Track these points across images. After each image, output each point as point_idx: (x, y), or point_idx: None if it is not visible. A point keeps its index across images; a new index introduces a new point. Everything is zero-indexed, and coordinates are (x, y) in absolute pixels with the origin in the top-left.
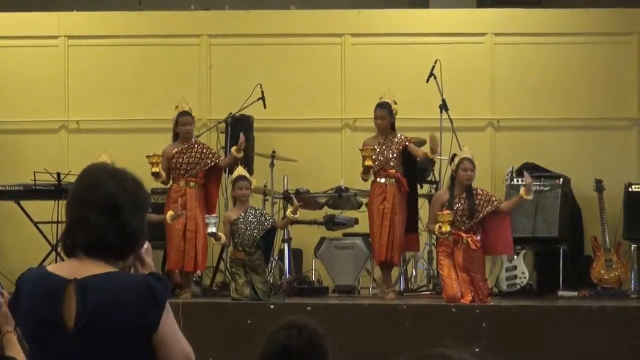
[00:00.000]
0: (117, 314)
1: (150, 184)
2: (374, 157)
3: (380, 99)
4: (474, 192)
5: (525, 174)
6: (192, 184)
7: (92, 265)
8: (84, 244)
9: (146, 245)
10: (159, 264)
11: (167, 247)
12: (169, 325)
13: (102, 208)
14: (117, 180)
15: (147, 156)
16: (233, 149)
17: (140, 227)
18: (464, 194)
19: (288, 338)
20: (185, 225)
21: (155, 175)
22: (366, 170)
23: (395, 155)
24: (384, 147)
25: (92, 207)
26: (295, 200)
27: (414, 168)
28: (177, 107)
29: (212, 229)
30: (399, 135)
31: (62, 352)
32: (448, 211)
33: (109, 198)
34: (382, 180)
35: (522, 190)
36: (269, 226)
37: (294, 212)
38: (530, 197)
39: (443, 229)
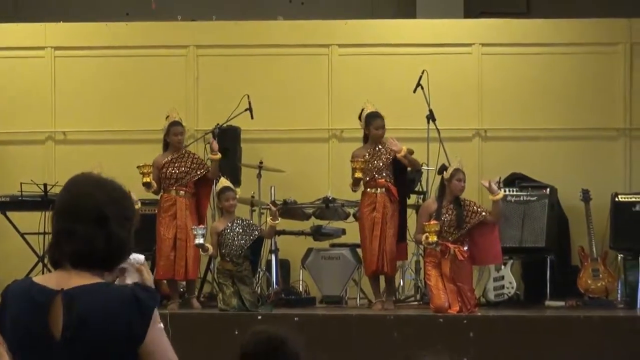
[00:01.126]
0: (103, 325)
1: (140, 194)
2: (364, 168)
3: (363, 110)
4: (462, 202)
5: (483, 181)
6: (182, 192)
7: (78, 277)
8: (71, 254)
9: (142, 258)
10: None
11: (157, 256)
12: (157, 337)
13: (89, 218)
14: (104, 190)
15: (138, 166)
16: (210, 155)
17: (127, 237)
18: (452, 205)
19: (247, 344)
20: (176, 234)
21: (147, 185)
22: (356, 182)
23: (385, 165)
24: (373, 158)
25: (79, 218)
26: (271, 207)
27: (404, 177)
28: (167, 116)
29: (199, 240)
30: (387, 145)
31: None
32: (435, 221)
33: (95, 208)
34: (372, 190)
35: (490, 196)
36: (256, 236)
37: (274, 218)
38: (500, 195)
39: (430, 239)
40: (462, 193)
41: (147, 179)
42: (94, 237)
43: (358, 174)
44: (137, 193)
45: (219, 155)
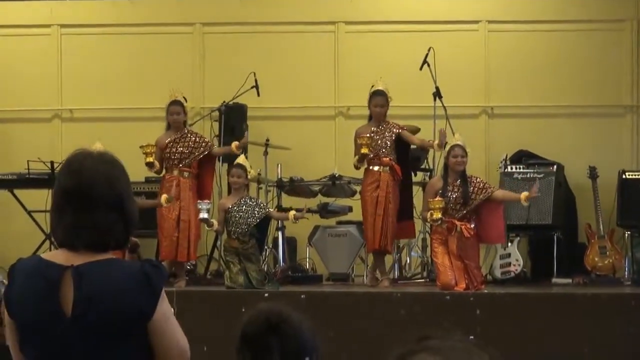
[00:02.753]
0: (113, 300)
1: (144, 173)
2: (370, 144)
3: (372, 87)
4: (469, 179)
5: (535, 186)
6: (186, 174)
7: (88, 253)
8: (90, 243)
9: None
10: (152, 254)
11: (160, 236)
12: (165, 313)
13: (109, 206)
14: (116, 172)
15: (141, 146)
16: (233, 144)
17: (136, 211)
18: (458, 182)
19: (248, 323)
20: (179, 215)
21: (150, 165)
22: (361, 159)
23: (388, 143)
24: (377, 135)
25: (99, 206)
26: (305, 212)
27: (407, 155)
28: (170, 95)
29: (204, 215)
30: (391, 122)
31: (59, 340)
32: (439, 198)
33: (115, 194)
34: (376, 168)
35: (523, 195)
36: (263, 215)
37: (296, 219)
38: (527, 204)
39: (434, 215)
40: (461, 168)
41: (150, 159)
42: (116, 224)
43: (365, 150)
44: (141, 172)
45: (240, 152)
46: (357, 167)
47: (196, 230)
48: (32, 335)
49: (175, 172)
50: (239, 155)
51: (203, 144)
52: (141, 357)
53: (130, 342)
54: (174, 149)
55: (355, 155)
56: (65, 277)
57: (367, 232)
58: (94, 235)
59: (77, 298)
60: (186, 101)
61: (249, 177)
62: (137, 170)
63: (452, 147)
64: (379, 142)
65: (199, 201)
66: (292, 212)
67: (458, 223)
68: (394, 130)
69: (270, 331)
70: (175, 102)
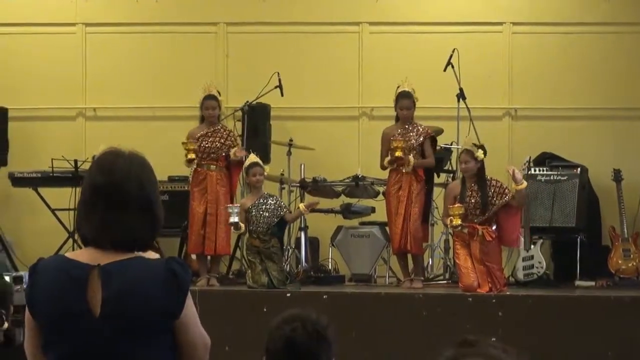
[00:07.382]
0: (142, 299)
1: (167, 171)
2: (403, 147)
3: (398, 87)
4: (488, 182)
5: (508, 167)
6: (213, 167)
7: (113, 253)
8: (117, 240)
9: None
10: (175, 250)
11: (189, 231)
12: (190, 310)
13: (137, 207)
14: (146, 174)
15: (183, 142)
16: (301, 205)
17: (162, 215)
18: (477, 187)
19: (293, 331)
20: (206, 209)
21: (191, 161)
22: (393, 161)
23: (414, 145)
24: (403, 137)
25: (128, 206)
26: (314, 201)
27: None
28: (204, 90)
29: (234, 219)
30: (419, 125)
31: (87, 339)
32: (459, 205)
33: (144, 196)
34: (400, 169)
35: (513, 185)
36: (281, 215)
37: (308, 209)
38: (523, 185)
39: (454, 222)
40: (467, 174)
41: (192, 156)
42: (142, 225)
43: (399, 153)
44: (164, 171)
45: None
46: (384, 168)
47: (226, 222)
48: (58, 335)
49: (204, 166)
50: (250, 153)
51: (235, 142)
52: (167, 355)
53: (157, 340)
54: (204, 142)
55: (382, 156)
56: (92, 276)
57: (391, 233)
58: (122, 233)
59: (106, 297)
60: (220, 95)
61: (265, 173)
62: (160, 169)
63: (461, 152)
64: (405, 143)
65: (229, 205)
66: (301, 205)
67: (479, 227)
68: (421, 133)
69: (322, 340)
70: (210, 97)
